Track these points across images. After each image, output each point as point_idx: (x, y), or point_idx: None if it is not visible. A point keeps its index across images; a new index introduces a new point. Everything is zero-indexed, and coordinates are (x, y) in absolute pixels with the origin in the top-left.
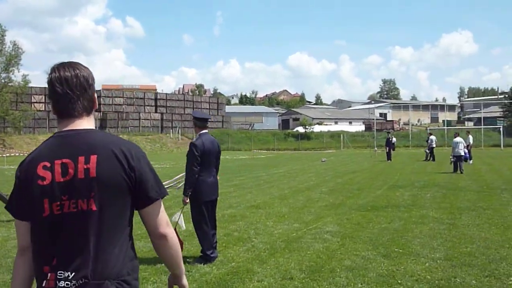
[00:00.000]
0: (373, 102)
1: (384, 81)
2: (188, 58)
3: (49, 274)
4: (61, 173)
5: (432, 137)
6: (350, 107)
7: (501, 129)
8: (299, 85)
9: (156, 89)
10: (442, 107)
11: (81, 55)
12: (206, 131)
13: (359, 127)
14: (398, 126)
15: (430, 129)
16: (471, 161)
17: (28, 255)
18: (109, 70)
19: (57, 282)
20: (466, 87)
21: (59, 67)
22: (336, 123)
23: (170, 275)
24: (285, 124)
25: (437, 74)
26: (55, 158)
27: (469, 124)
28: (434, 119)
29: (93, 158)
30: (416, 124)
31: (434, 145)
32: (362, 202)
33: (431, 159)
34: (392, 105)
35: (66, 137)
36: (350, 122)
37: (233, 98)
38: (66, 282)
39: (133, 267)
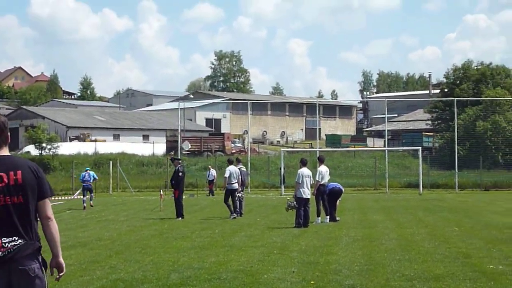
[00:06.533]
0: (192, 96)
1: (219, 56)
2: None
3: None
4: None
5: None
6: (150, 105)
7: (419, 153)
8: (54, 60)
9: None
10: (329, 108)
11: None
12: None
13: (161, 146)
14: (236, 144)
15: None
16: (319, 220)
17: None
18: None
19: (3, 244)
20: (374, 71)
21: None
22: (116, 138)
23: (51, 259)
24: (12, 137)
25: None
26: None
27: (377, 144)
28: (312, 132)
29: (19, 172)
30: (278, 141)
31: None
32: None
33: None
34: (231, 102)
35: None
36: (146, 137)
37: None
38: (13, 243)
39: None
